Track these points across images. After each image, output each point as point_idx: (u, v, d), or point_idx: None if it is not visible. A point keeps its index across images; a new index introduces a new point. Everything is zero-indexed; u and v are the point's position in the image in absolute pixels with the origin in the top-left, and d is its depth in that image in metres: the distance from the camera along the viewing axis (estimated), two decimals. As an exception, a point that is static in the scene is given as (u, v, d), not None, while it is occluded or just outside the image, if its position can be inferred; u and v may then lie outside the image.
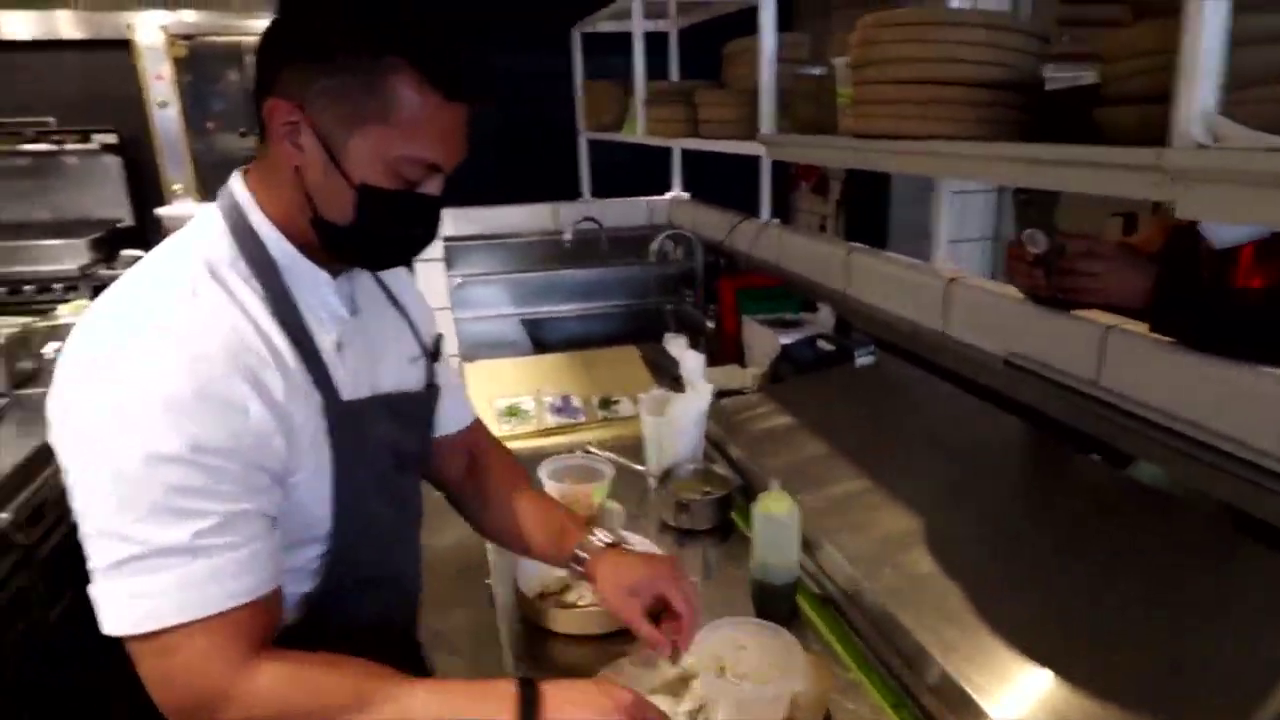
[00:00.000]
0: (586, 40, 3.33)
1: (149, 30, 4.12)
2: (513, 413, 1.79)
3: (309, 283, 0.85)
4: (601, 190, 3.57)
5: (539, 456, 1.45)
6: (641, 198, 3.55)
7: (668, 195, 3.54)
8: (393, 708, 0.75)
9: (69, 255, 3.86)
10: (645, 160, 3.25)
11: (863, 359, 1.74)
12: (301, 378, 0.81)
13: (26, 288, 3.76)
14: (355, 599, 0.93)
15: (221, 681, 0.72)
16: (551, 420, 1.76)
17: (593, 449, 1.56)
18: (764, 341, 2.02)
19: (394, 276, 1.04)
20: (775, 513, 1.10)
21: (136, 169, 4.37)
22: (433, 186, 0.83)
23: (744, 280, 2.40)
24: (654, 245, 2.54)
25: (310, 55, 0.77)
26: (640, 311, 2.81)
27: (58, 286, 3.82)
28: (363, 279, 0.96)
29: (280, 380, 0.78)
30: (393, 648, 0.99)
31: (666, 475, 1.40)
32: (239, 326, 0.77)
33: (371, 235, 0.83)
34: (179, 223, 3.17)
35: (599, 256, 2.92)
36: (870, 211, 3.55)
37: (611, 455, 1.50)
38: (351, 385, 0.87)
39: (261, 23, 4.25)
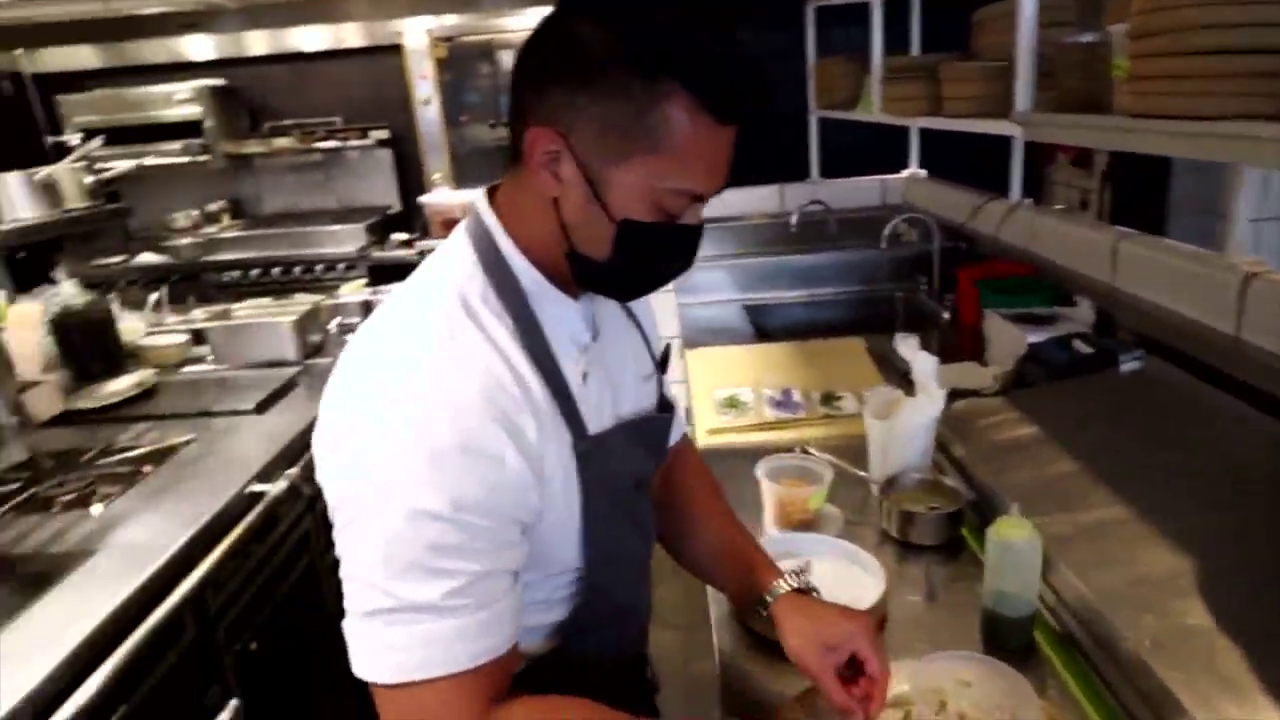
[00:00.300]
0: (820, 14, 3.22)
1: (416, 35, 4.56)
2: (732, 404, 1.79)
3: (556, 312, 0.82)
4: (831, 170, 3.46)
5: (756, 452, 1.43)
6: (875, 177, 3.39)
7: (904, 173, 3.36)
8: None
9: (350, 239, 4.40)
10: (878, 137, 3.08)
11: (1128, 364, 1.54)
12: (551, 414, 0.78)
13: (317, 267, 4.33)
14: (605, 627, 0.92)
15: None
16: (770, 414, 1.74)
17: (812, 449, 1.52)
18: (1008, 339, 1.85)
19: None
20: (1013, 540, 1.01)
21: (402, 161, 4.88)
22: (693, 215, 0.78)
23: (987, 268, 2.21)
24: (887, 229, 2.41)
25: (577, 79, 0.71)
26: (869, 299, 2.68)
27: (340, 266, 4.37)
28: (603, 300, 0.91)
29: (533, 422, 0.75)
30: (630, 672, 1.00)
31: (890, 483, 1.33)
32: (494, 368, 0.74)
33: (627, 270, 0.79)
34: (438, 209, 3.53)
35: (827, 240, 2.83)
36: (1144, 186, 3.11)
37: (831, 457, 1.45)
38: (596, 416, 0.84)
39: (510, 20, 4.56)
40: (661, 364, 1.00)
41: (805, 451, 1.48)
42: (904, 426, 1.34)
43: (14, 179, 1.93)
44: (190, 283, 4.11)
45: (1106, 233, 1.91)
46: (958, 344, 2.13)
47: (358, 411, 0.71)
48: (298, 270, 4.29)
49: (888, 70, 2.34)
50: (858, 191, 3.34)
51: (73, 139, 4.07)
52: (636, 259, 0.77)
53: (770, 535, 1.27)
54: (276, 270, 4.33)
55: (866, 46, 2.55)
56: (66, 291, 2.68)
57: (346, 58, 4.66)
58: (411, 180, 4.87)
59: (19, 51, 4.41)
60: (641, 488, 0.94)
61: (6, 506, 1.61)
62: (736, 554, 1.02)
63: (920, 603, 1.17)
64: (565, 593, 0.87)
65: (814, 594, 0.98)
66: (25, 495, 1.66)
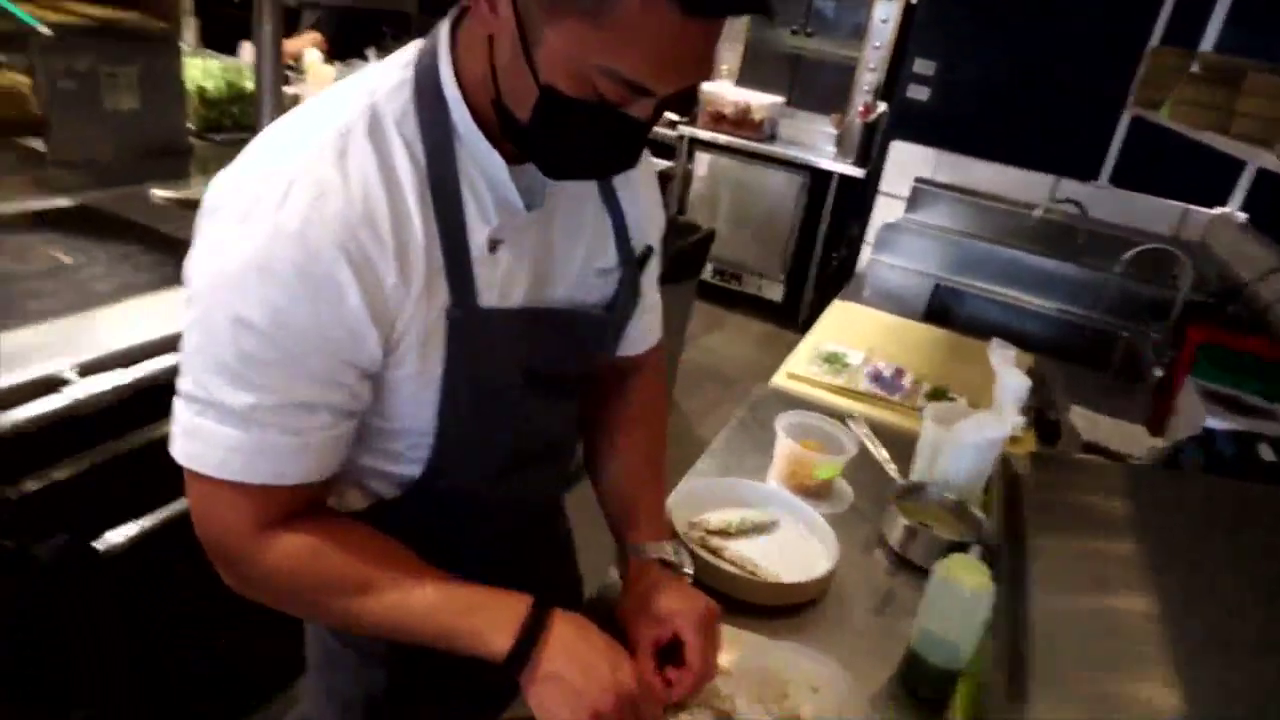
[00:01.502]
0: (1186, -5, 2.67)
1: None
2: (831, 359, 1.66)
3: (481, 163, 0.73)
4: (1135, 180, 2.94)
5: (827, 409, 1.36)
6: (1179, 203, 2.84)
7: (1216, 210, 2.78)
8: (393, 595, 0.73)
9: (624, 103, 4.52)
10: (1210, 157, 2.57)
11: (1301, 489, 1.21)
12: (432, 269, 0.71)
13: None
14: (454, 505, 0.87)
15: (241, 541, 0.72)
16: (865, 386, 1.59)
17: (861, 423, 1.39)
18: (1192, 415, 1.53)
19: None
20: (960, 582, 0.87)
21: (705, 44, 4.85)
22: (639, 109, 0.66)
23: (1225, 336, 1.81)
24: (1128, 254, 2.04)
25: None
26: (1084, 327, 2.31)
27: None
28: None
29: (395, 268, 0.68)
30: (493, 547, 0.94)
31: (911, 490, 1.19)
32: (372, 200, 0.67)
33: (550, 144, 0.69)
34: (712, 99, 3.58)
35: (1067, 248, 2.45)
36: None
37: (869, 437, 1.32)
38: (499, 290, 0.76)
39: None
40: (640, 263, 0.91)
41: (844, 422, 1.35)
42: (960, 437, 1.18)
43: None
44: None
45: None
46: (1156, 407, 1.80)
47: (224, 198, 0.67)
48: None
49: (1171, 67, 1.91)
50: (1151, 211, 2.83)
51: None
52: (557, 135, 0.68)
53: (758, 485, 1.20)
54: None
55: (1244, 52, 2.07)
56: (368, 66, 3.07)
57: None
58: (704, 66, 4.86)
59: None
60: (543, 387, 0.85)
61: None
62: (631, 502, 0.96)
63: (866, 612, 1.06)
64: (421, 454, 0.80)
65: (679, 570, 0.91)
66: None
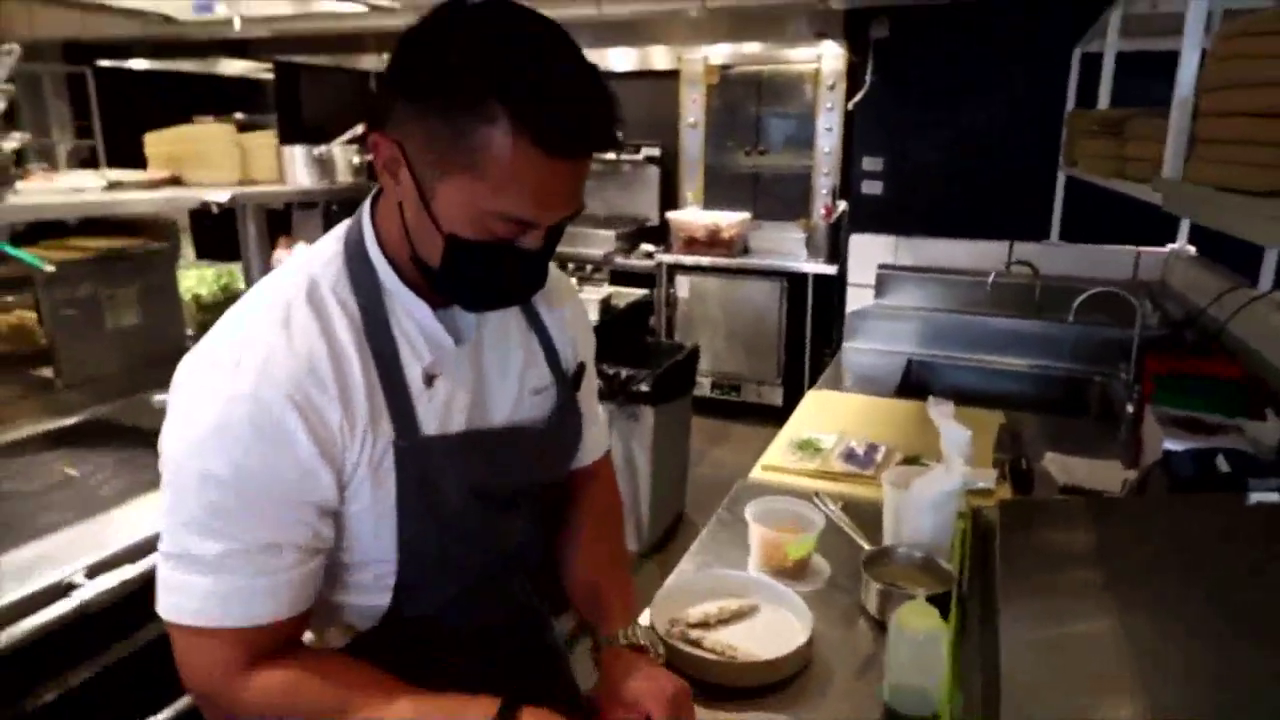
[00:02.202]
0: (1086, 61, 2.90)
1: (694, 61, 4.85)
2: (804, 445, 1.74)
3: (409, 311, 0.84)
4: (1085, 234, 3.08)
5: (805, 495, 1.43)
6: (1130, 248, 2.98)
7: (1167, 248, 2.90)
8: (368, 715, 0.78)
9: (598, 244, 4.82)
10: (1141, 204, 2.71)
11: (1260, 494, 1.25)
12: (377, 409, 0.80)
13: (569, 265, 4.78)
14: (424, 624, 0.92)
15: (222, 683, 0.77)
16: (838, 466, 1.66)
17: (829, 501, 1.45)
18: (1153, 440, 1.58)
19: (544, 295, 0.95)
20: (912, 629, 0.92)
21: (666, 179, 5.20)
22: (530, 241, 0.77)
23: (1183, 363, 1.88)
24: (1076, 302, 2.14)
25: (411, 93, 0.74)
26: (1056, 378, 2.38)
27: (588, 267, 4.79)
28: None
29: (339, 413, 0.77)
30: (483, 661, 0.98)
31: (880, 555, 1.23)
32: (316, 355, 0.77)
33: (462, 283, 0.80)
34: (682, 225, 3.82)
35: (1028, 306, 2.56)
36: None
37: (844, 518, 1.37)
38: (439, 419, 0.84)
39: (786, 52, 4.66)
40: (574, 381, 1.00)
41: (813, 499, 1.41)
42: (916, 497, 1.24)
43: (298, 151, 2.44)
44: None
45: (1333, 341, 1.55)
46: (1133, 441, 1.84)
47: (185, 375, 0.77)
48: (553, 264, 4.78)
49: (1082, 127, 2.08)
50: (1107, 260, 2.95)
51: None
52: (466, 274, 0.79)
53: (735, 574, 1.26)
54: (534, 262, 4.85)
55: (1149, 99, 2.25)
56: (304, 248, 3.33)
57: (635, 79, 5.08)
58: (669, 197, 5.18)
59: (384, 56, 5.42)
60: (499, 502, 0.92)
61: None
62: (597, 594, 1.02)
63: (849, 677, 1.09)
64: (388, 582, 0.87)
65: (649, 651, 0.96)
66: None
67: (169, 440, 0.76)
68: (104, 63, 4.44)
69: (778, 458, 1.72)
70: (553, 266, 0.98)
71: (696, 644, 1.09)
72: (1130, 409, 2.02)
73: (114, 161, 3.98)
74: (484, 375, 0.90)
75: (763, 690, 1.05)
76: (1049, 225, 3.09)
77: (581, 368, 1.03)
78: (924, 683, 0.92)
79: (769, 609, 1.18)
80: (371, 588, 0.87)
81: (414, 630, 0.90)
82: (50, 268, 2.11)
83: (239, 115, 4.93)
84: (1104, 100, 2.27)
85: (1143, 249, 2.94)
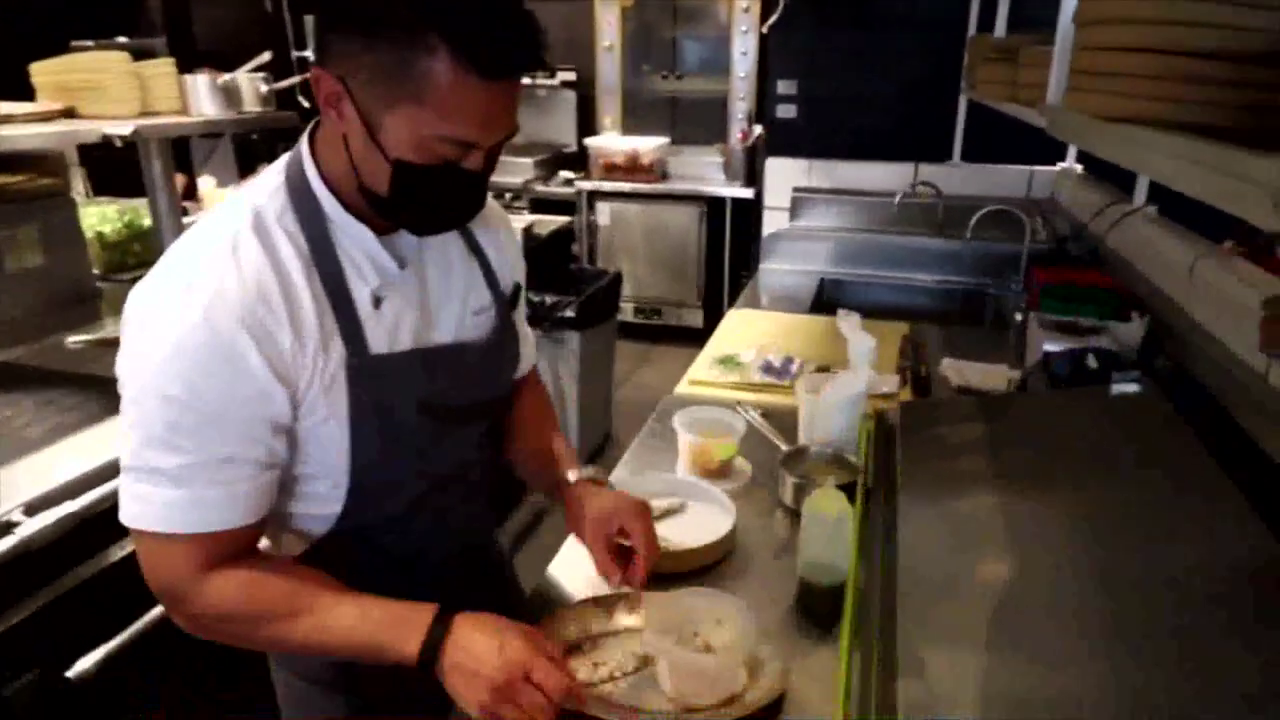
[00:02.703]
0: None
1: (607, -19, 4.74)
2: (725, 361, 1.85)
3: (354, 238, 0.88)
4: (985, 155, 3.24)
5: (728, 406, 1.53)
6: (1024, 167, 3.16)
7: (1058, 166, 3.10)
8: (316, 618, 0.85)
9: (517, 171, 4.76)
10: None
11: (1120, 386, 1.42)
12: (327, 330, 0.85)
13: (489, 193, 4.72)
14: (377, 532, 0.98)
15: (184, 584, 0.84)
16: (757, 377, 1.79)
17: (750, 409, 1.57)
18: (1036, 344, 1.75)
19: (482, 222, 1.02)
20: (823, 512, 1.04)
21: (583, 104, 5.15)
22: (473, 162, 0.83)
23: (1066, 274, 2.06)
24: (973, 220, 2.30)
25: (352, 27, 0.78)
26: (955, 291, 2.56)
27: (507, 195, 4.74)
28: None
29: (290, 336, 0.82)
30: (429, 572, 1.04)
31: (796, 453, 1.36)
32: (265, 283, 0.81)
33: (410, 207, 0.85)
34: (601, 151, 3.85)
35: (931, 225, 2.71)
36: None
37: (759, 419, 1.50)
38: (387, 338, 0.90)
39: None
40: (511, 301, 1.08)
41: (734, 408, 1.52)
42: (826, 401, 1.36)
43: (202, 80, 2.35)
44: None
45: (1190, 249, 1.73)
46: (1019, 346, 2.02)
47: (139, 305, 0.81)
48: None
49: (981, 53, 2.19)
50: (1003, 179, 3.13)
51: (311, 54, 4.71)
52: (414, 197, 0.84)
53: (665, 475, 1.37)
54: (452, 191, 4.77)
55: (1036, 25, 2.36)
56: (247, 182, 3.21)
57: (554, 1, 4.94)
58: (587, 123, 5.14)
59: (280, -24, 5.10)
60: (446, 417, 0.98)
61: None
62: (545, 452, 1.14)
63: (769, 559, 1.22)
64: (340, 492, 0.93)
65: (605, 484, 1.11)
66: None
67: (127, 365, 0.81)
68: (-36, -20, 4.06)
69: (702, 372, 1.83)
70: (492, 199, 1.05)
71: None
72: (1019, 317, 2.20)
73: (-11, 91, 3.70)
74: (428, 296, 0.96)
75: (693, 574, 1.17)
76: (951, 147, 3.24)
77: (518, 288, 1.10)
78: (833, 558, 1.05)
79: (697, 505, 1.30)
80: (324, 498, 0.93)
81: (364, 539, 0.97)
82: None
83: (122, 39, 4.61)
84: (1001, 27, 2.38)
85: (1035, 168, 3.13)
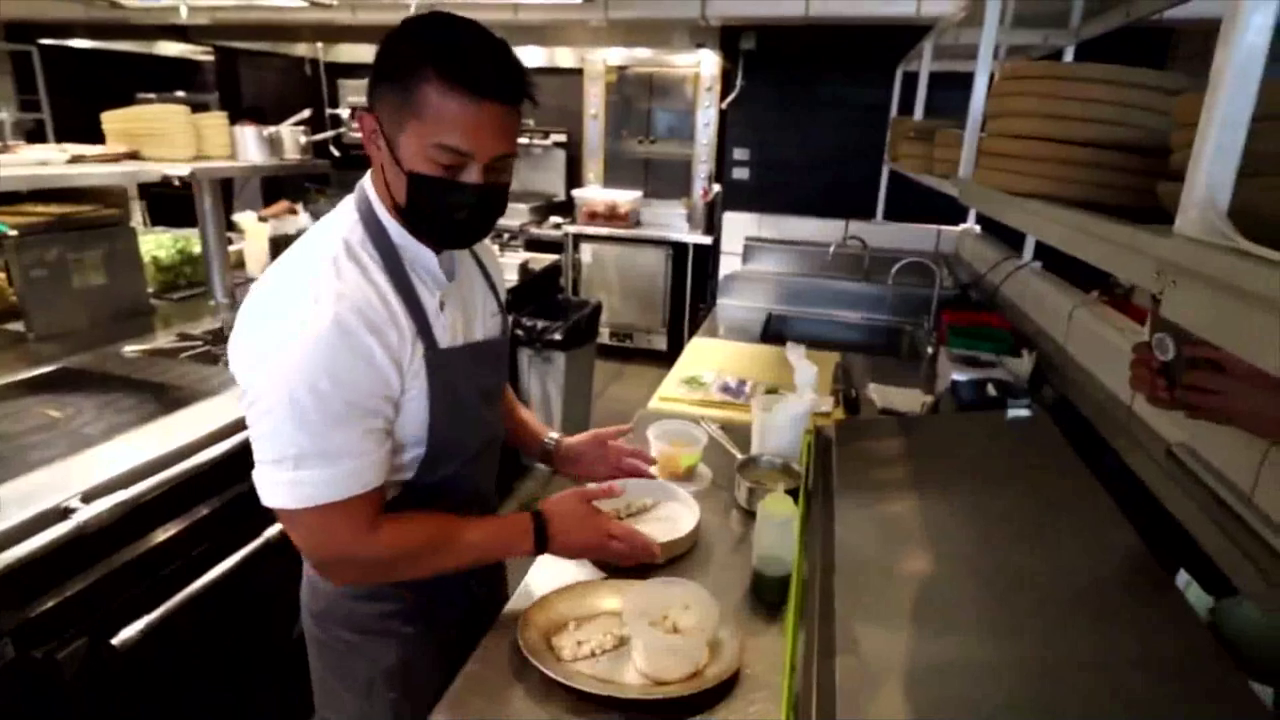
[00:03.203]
0: (907, 78, 3.07)
1: (595, 62, 4.78)
2: (690, 381, 1.84)
3: (418, 256, 0.92)
4: (902, 214, 3.30)
5: (692, 419, 1.53)
6: (932, 226, 3.22)
7: (959, 227, 3.16)
8: (456, 545, 0.94)
9: (515, 216, 4.72)
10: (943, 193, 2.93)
11: (1013, 411, 1.44)
12: (412, 331, 0.90)
13: (491, 234, 4.67)
14: (449, 484, 1.03)
15: (356, 542, 0.88)
16: (716, 395, 1.78)
17: (710, 424, 1.56)
18: (945, 373, 1.77)
19: (483, 249, 1.10)
20: (776, 512, 1.04)
21: (571, 161, 5.15)
22: (471, 174, 0.84)
23: (969, 316, 2.09)
24: (895, 268, 2.33)
25: (377, 74, 0.84)
26: (881, 328, 2.59)
27: (505, 236, 4.69)
28: (462, 253, 1.03)
29: (395, 332, 0.87)
30: (480, 508, 1.13)
31: (749, 462, 1.36)
32: (367, 293, 0.85)
33: (423, 216, 0.88)
34: (585, 200, 3.82)
35: (858, 272, 2.74)
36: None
37: (719, 433, 1.49)
38: (450, 335, 0.96)
39: (674, 58, 4.66)
40: (508, 307, 1.14)
41: (697, 422, 1.52)
42: (776, 418, 1.36)
43: (249, 131, 2.30)
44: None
45: (1069, 298, 1.77)
46: (926, 374, 2.05)
47: (269, 316, 0.83)
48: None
49: (904, 130, 2.24)
50: (917, 235, 3.19)
51: (343, 112, 4.66)
52: (426, 205, 0.86)
53: (637, 481, 1.32)
54: (459, 231, 4.71)
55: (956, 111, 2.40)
56: (300, 221, 3.14)
57: (545, 74, 4.97)
58: (574, 177, 5.14)
59: (319, 45, 5.07)
60: (486, 397, 1.05)
61: (186, 354, 1.98)
62: (535, 426, 1.29)
63: (726, 552, 1.21)
64: (415, 457, 0.97)
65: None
66: (202, 350, 2.03)
67: (266, 370, 0.81)
68: (46, 41, 3.96)
69: (670, 390, 1.82)
70: None
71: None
72: (930, 350, 2.23)
73: (60, 136, 3.60)
74: (465, 304, 1.01)
75: (665, 565, 1.15)
76: (875, 207, 3.29)
77: (508, 298, 1.20)
78: (782, 552, 1.05)
79: (665, 505, 1.28)
80: (406, 461, 0.97)
81: (435, 488, 1.01)
82: (13, 232, 1.94)
83: (179, 94, 4.51)
84: (919, 110, 2.43)
85: (942, 228, 3.19)
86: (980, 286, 2.46)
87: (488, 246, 1.14)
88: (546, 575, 1.14)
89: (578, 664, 0.92)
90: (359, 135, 0.90)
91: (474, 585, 1.12)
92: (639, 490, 1.30)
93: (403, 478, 0.98)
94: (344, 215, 0.92)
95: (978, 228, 3.06)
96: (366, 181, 0.93)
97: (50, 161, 1.79)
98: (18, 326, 2.00)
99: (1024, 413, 1.45)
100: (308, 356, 0.80)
